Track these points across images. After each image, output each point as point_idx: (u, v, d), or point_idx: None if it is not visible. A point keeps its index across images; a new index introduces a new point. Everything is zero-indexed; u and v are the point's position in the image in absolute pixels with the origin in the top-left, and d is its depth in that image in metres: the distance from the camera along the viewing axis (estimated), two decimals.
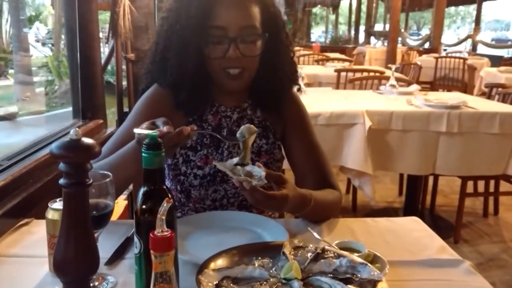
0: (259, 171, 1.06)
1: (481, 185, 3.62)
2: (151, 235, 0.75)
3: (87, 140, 0.70)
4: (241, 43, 1.24)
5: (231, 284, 0.85)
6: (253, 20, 1.26)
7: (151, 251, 0.74)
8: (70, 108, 2.48)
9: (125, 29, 2.75)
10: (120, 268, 1.02)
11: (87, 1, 2.30)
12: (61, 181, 0.70)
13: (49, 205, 0.99)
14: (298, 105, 1.45)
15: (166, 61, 1.29)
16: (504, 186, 3.47)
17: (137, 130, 1.05)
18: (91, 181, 0.71)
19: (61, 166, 0.69)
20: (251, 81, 1.33)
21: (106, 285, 0.95)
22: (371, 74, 4.95)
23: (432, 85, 7.84)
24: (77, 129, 0.68)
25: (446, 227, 3.45)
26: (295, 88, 1.47)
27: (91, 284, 0.77)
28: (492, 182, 3.50)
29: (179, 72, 1.27)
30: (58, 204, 0.98)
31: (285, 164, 1.48)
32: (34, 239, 1.16)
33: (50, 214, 0.98)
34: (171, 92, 1.31)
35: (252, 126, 1.10)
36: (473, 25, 14.98)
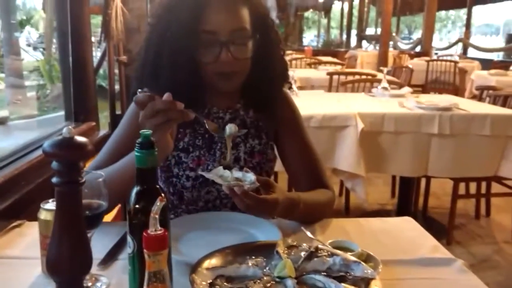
0: (249, 175, 1.05)
1: (473, 186, 3.65)
2: (144, 234, 0.74)
3: (80, 139, 0.69)
4: (233, 46, 1.23)
5: (225, 283, 0.85)
6: (243, 23, 1.26)
7: (145, 250, 0.74)
8: (62, 113, 2.47)
9: (117, 31, 2.75)
10: (114, 269, 1.02)
11: (79, 4, 2.30)
12: (54, 179, 0.69)
13: (41, 205, 0.98)
14: (290, 105, 1.46)
15: (158, 69, 1.28)
16: (495, 187, 3.49)
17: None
18: (84, 179, 0.71)
19: (54, 164, 0.69)
20: (243, 82, 1.33)
21: (99, 285, 0.95)
22: (363, 77, 4.98)
23: (424, 88, 7.87)
24: (69, 127, 0.68)
25: (439, 229, 3.46)
26: (286, 87, 1.47)
27: (84, 285, 0.76)
28: (483, 184, 3.52)
29: (173, 80, 1.26)
30: (50, 205, 0.97)
31: (278, 166, 1.48)
32: (27, 240, 1.15)
33: (43, 215, 0.97)
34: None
35: (236, 128, 1.10)
36: (463, 29, 15.09)
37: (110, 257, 1.05)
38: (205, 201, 1.35)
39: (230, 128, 1.11)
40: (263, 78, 1.34)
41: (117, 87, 3.14)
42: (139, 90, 1.05)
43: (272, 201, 1.08)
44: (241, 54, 1.25)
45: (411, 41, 15.69)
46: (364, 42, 16.16)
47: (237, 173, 1.07)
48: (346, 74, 5.28)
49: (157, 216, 0.75)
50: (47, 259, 0.72)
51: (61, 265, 0.71)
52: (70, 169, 0.69)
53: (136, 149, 0.84)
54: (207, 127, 1.12)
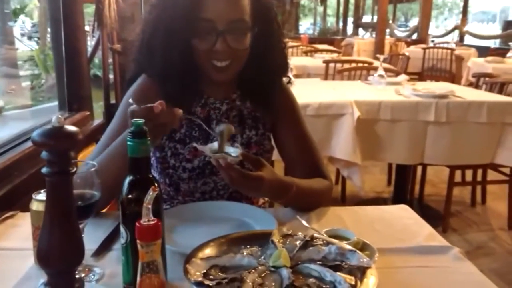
0: (233, 149, 1.08)
1: (468, 174, 3.65)
2: (137, 224, 0.74)
3: (70, 128, 0.68)
4: (230, 36, 1.22)
5: (219, 273, 0.84)
6: (242, 14, 1.23)
7: (138, 241, 0.74)
8: (57, 102, 2.45)
9: (111, 20, 2.71)
10: (107, 259, 1.01)
11: None
12: (44, 169, 0.68)
13: (33, 196, 0.97)
14: (288, 95, 1.44)
15: (153, 52, 1.27)
16: (491, 175, 3.49)
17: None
18: (75, 169, 0.69)
19: (44, 154, 0.67)
20: (240, 72, 1.32)
21: (92, 276, 0.94)
22: (360, 65, 4.95)
23: (420, 76, 7.86)
24: (59, 116, 0.66)
25: (435, 216, 3.47)
26: (285, 80, 1.45)
27: (78, 276, 0.75)
28: (479, 171, 3.52)
29: (166, 63, 1.25)
30: (42, 195, 0.96)
31: (275, 155, 1.47)
32: (19, 231, 1.14)
33: (35, 206, 0.96)
34: (159, 83, 1.29)
35: (232, 128, 1.10)
36: (460, 16, 15.04)
37: (104, 248, 1.04)
38: (201, 192, 1.34)
39: (229, 129, 1.10)
40: (261, 70, 1.33)
41: (111, 76, 3.11)
42: (130, 101, 1.03)
43: (256, 177, 1.08)
44: (238, 45, 1.24)
45: (408, 28, 15.67)
46: (360, 30, 16.10)
47: (228, 148, 1.08)
48: (343, 62, 5.25)
49: (149, 206, 0.74)
50: (38, 250, 0.71)
51: (52, 256, 0.70)
52: (60, 159, 0.67)
53: (128, 138, 0.83)
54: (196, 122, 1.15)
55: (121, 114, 1.30)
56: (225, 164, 1.03)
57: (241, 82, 1.37)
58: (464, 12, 13.97)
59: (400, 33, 14.07)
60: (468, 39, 12.31)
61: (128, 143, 0.83)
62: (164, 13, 1.24)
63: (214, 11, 1.20)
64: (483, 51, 8.55)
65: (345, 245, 0.92)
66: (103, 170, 0.97)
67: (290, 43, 8.24)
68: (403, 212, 1.31)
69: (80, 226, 0.84)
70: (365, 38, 12.65)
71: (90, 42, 3.09)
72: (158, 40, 1.25)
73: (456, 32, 12.90)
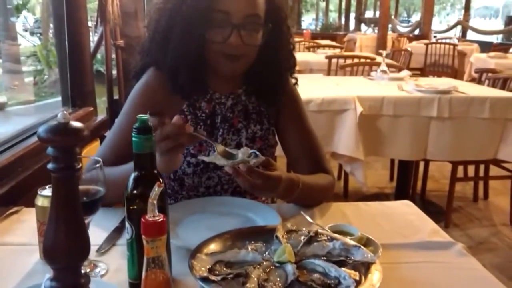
0: (252, 152, 1.05)
1: (471, 169, 3.65)
2: (142, 220, 0.74)
3: (75, 124, 0.68)
4: (244, 31, 1.22)
5: (224, 268, 0.84)
6: (258, 10, 1.24)
7: (143, 236, 0.74)
8: (60, 98, 2.45)
9: (114, 15, 2.71)
10: (112, 255, 1.01)
11: None
12: (49, 165, 0.68)
13: (38, 191, 0.97)
14: (292, 91, 1.44)
15: (168, 42, 1.26)
16: (493, 170, 3.49)
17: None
18: (80, 165, 0.70)
19: (49, 150, 0.68)
20: (247, 68, 1.32)
21: (98, 271, 0.95)
22: (362, 60, 4.94)
23: (423, 71, 7.84)
24: (64, 112, 0.67)
25: (437, 212, 3.47)
26: (292, 82, 1.45)
27: (83, 271, 0.76)
28: (482, 167, 3.52)
29: (181, 55, 1.24)
30: (47, 191, 0.97)
31: (277, 151, 1.47)
32: (24, 227, 1.14)
33: (40, 201, 0.97)
34: (169, 75, 1.28)
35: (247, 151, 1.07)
36: (462, 11, 14.99)
37: (109, 243, 1.05)
38: (206, 187, 1.34)
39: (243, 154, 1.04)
40: (269, 69, 1.33)
41: (114, 72, 3.12)
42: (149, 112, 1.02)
43: (276, 177, 1.08)
44: (251, 40, 1.24)
45: (410, 24, 15.61)
46: (362, 25, 16.05)
47: (237, 153, 1.06)
48: (345, 57, 5.24)
49: (155, 202, 0.75)
50: (44, 246, 0.71)
51: (58, 252, 0.70)
52: (66, 154, 0.67)
53: (133, 134, 0.83)
54: (216, 149, 1.08)
55: (128, 110, 1.30)
56: (247, 168, 1.01)
57: (247, 77, 1.37)
58: (467, 7, 13.92)
59: (402, 28, 14.02)
60: (470, 35, 12.28)
61: (133, 139, 0.83)
62: (182, 4, 1.24)
63: (231, 4, 1.21)
64: (485, 47, 8.53)
65: (350, 240, 0.93)
66: (111, 184, 0.97)
67: None
68: (407, 208, 1.32)
69: (86, 221, 0.84)
70: (368, 33, 12.60)
71: (93, 38, 3.08)
72: (175, 33, 1.24)
73: (459, 27, 12.85)
